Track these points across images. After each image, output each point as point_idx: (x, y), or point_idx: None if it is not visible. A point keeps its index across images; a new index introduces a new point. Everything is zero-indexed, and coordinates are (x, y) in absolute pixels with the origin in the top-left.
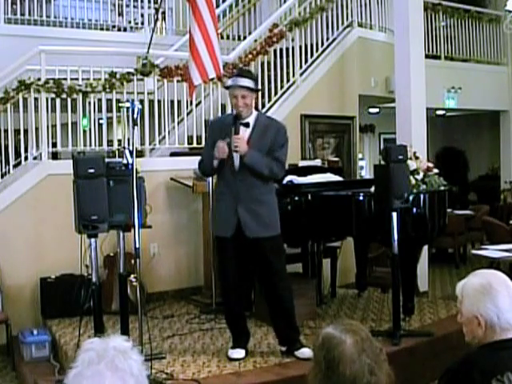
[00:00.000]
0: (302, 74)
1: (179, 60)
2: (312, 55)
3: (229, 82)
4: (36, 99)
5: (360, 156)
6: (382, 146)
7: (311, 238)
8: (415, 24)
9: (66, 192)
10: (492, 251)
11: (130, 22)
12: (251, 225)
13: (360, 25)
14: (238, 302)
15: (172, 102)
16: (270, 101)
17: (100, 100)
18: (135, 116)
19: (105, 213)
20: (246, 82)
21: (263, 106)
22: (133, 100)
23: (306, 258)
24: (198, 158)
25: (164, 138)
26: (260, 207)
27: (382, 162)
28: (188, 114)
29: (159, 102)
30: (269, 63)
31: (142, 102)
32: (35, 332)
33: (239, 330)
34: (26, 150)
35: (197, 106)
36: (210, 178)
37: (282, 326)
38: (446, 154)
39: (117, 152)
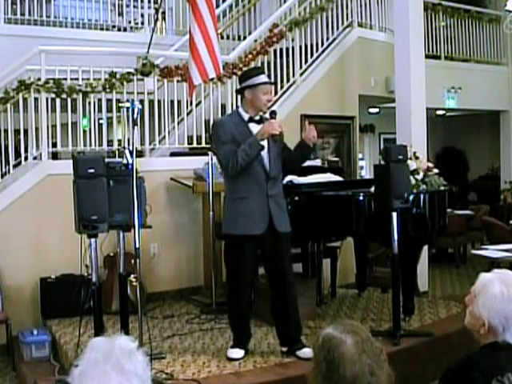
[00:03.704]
0: (302, 74)
1: (179, 60)
2: (312, 55)
3: (260, 80)
4: (36, 99)
5: (360, 156)
6: (382, 146)
7: (311, 237)
8: (415, 24)
9: (66, 192)
10: (492, 251)
11: (129, 22)
12: (281, 220)
13: (360, 25)
14: (249, 300)
15: (172, 102)
16: None
17: (100, 100)
18: (135, 116)
19: (105, 213)
20: None
21: None
22: (133, 100)
23: (306, 257)
24: (198, 157)
25: (164, 137)
26: (283, 204)
27: (382, 162)
28: (188, 113)
29: (159, 102)
30: (269, 63)
31: (142, 102)
32: (35, 332)
33: (244, 329)
34: (26, 150)
35: (197, 106)
36: (210, 179)
37: (287, 326)
38: (446, 154)
39: (117, 152)
